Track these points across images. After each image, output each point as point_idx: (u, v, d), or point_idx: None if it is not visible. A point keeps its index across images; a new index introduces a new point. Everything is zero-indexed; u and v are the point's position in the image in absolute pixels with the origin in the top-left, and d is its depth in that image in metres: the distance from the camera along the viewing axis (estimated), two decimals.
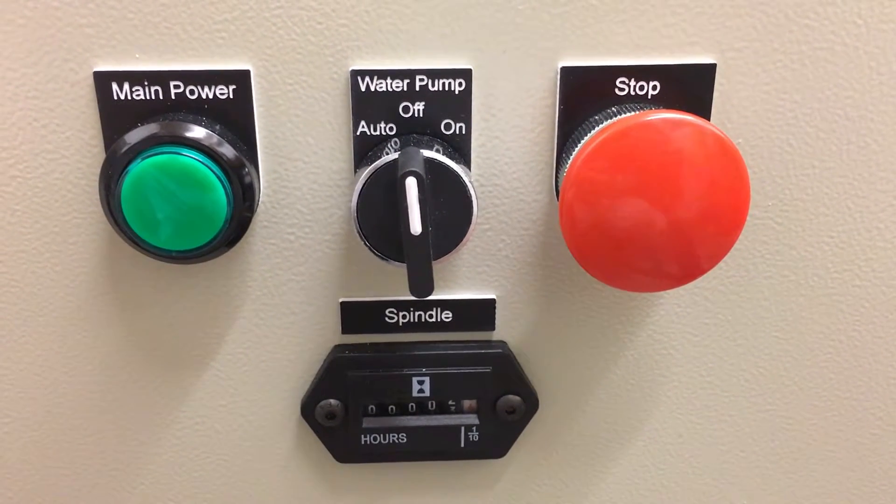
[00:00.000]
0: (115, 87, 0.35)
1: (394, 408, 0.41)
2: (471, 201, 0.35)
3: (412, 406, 0.41)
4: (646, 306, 0.40)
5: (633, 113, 0.34)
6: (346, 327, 0.40)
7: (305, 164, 0.36)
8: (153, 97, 0.35)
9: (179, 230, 0.34)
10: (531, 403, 0.41)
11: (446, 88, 0.35)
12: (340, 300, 0.39)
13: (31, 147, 0.36)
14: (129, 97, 0.35)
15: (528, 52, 0.35)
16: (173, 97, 0.35)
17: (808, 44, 0.35)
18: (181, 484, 0.43)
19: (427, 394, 0.40)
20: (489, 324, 0.40)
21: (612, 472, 0.44)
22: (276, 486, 0.43)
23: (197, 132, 0.34)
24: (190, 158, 0.33)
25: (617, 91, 0.36)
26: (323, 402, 0.40)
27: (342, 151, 0.36)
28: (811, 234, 0.39)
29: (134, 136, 0.33)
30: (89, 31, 0.34)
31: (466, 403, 0.41)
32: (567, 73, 0.35)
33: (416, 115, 0.36)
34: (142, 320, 0.39)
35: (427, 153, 0.34)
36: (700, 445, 0.43)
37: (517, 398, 0.40)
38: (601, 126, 0.34)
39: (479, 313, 0.40)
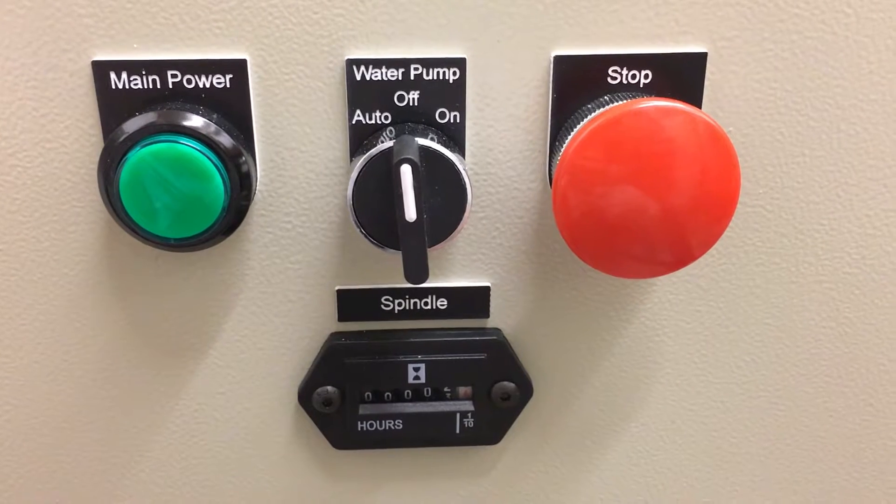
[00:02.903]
0: (113, 76, 0.35)
1: (390, 395, 0.42)
2: (465, 189, 0.35)
3: (408, 393, 0.41)
4: (639, 293, 0.40)
5: (625, 101, 0.34)
6: (343, 315, 0.40)
7: (302, 152, 0.37)
8: (151, 86, 0.35)
9: (177, 218, 0.34)
10: (526, 390, 0.41)
11: (441, 77, 0.36)
12: (337, 288, 0.39)
13: (30, 136, 0.36)
14: (127, 86, 0.35)
15: (522, 41, 0.35)
16: (171, 86, 0.35)
17: (798, 33, 0.36)
18: (179, 470, 0.43)
19: (423, 381, 0.40)
20: (484, 311, 0.40)
21: (606, 457, 0.44)
22: (273, 473, 0.43)
23: (194, 121, 0.34)
24: (187, 147, 0.33)
25: (609, 80, 0.36)
26: (320, 389, 0.40)
27: (338, 140, 0.37)
28: (802, 222, 0.39)
29: (132, 125, 0.34)
30: (87, 21, 0.34)
31: (462, 390, 0.41)
32: (560, 62, 0.36)
33: (411, 103, 0.36)
34: (140, 308, 0.39)
35: (422, 141, 0.34)
36: (692, 431, 0.44)
37: (512, 385, 0.41)
38: (594, 114, 0.34)
39: (473, 301, 0.40)
